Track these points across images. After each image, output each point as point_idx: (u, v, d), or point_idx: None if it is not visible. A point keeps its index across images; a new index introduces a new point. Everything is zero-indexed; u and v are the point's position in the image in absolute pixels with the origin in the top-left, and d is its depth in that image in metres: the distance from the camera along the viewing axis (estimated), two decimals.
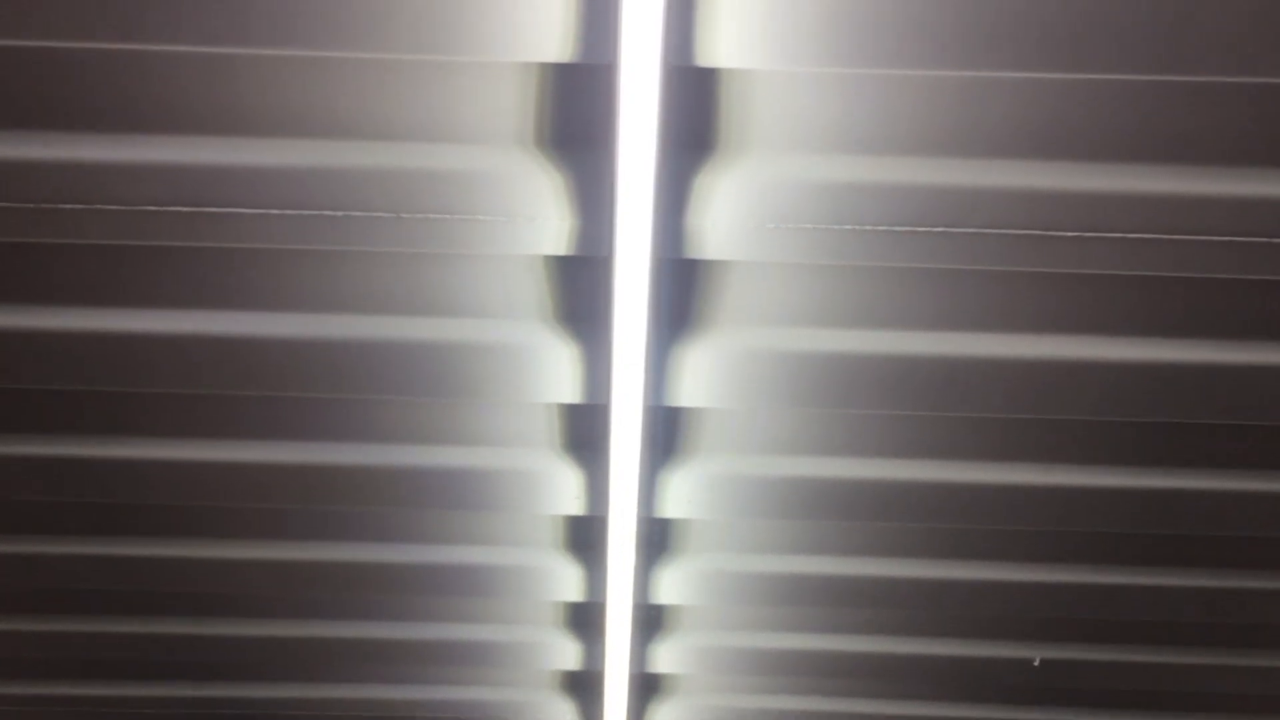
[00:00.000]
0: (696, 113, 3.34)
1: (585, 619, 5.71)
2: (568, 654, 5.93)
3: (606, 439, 4.28)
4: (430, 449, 4.61)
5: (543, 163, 3.48)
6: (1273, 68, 3.10)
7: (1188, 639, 5.64)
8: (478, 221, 3.62)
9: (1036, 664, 5.79)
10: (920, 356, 4.07)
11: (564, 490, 4.77)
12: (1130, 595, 5.28)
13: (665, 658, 5.93)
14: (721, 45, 3.11)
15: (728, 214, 3.58)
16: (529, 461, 4.65)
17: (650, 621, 5.69)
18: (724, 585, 5.35)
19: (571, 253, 3.69)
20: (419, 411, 4.46)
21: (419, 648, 5.89)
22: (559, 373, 4.18)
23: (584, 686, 6.23)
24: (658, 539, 5.12)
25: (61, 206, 3.57)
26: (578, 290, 3.91)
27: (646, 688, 6.20)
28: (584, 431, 4.52)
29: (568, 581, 5.37)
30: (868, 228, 3.59)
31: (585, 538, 5.12)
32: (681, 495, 4.77)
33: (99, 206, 3.57)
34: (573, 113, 3.36)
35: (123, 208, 3.57)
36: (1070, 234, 3.57)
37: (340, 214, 3.59)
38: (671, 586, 5.38)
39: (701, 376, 4.18)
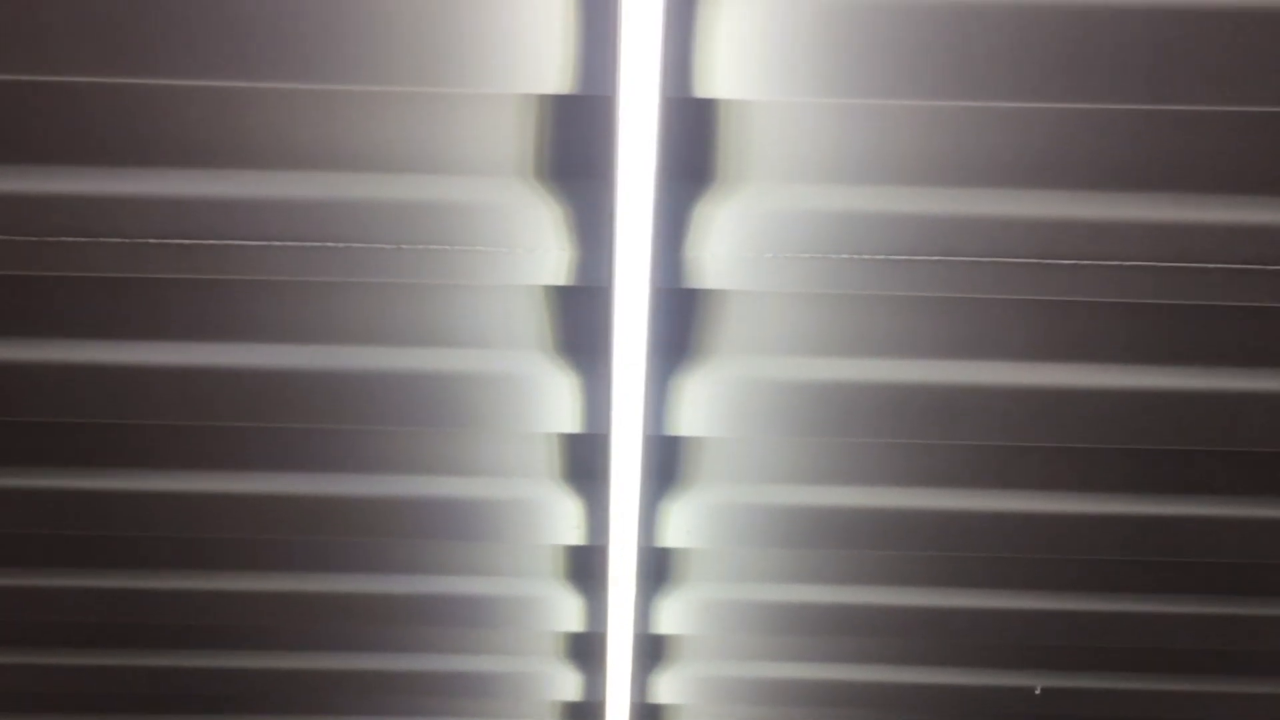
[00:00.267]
0: (695, 143, 3.37)
1: (586, 649, 5.70)
2: (568, 685, 5.93)
3: (606, 468, 4.30)
4: (430, 479, 4.62)
5: (542, 194, 3.51)
6: (1264, 97, 3.13)
7: (1187, 666, 5.64)
8: (478, 252, 3.64)
9: (1038, 692, 5.79)
10: (917, 384, 4.08)
11: (564, 520, 4.78)
12: (1130, 622, 5.28)
13: (666, 688, 5.92)
14: (719, 76, 3.14)
15: (726, 244, 3.60)
16: (529, 491, 4.66)
17: (651, 651, 5.68)
18: (724, 615, 5.35)
19: (571, 283, 3.72)
20: (419, 442, 4.47)
21: (419, 679, 5.89)
22: (559, 402, 4.19)
23: (585, 717, 6.22)
24: (658, 569, 5.13)
25: (64, 239, 3.59)
26: (577, 320, 3.93)
27: (648, 718, 6.20)
28: (584, 461, 4.53)
29: (568, 612, 5.37)
30: (865, 256, 3.62)
31: (585, 568, 5.13)
32: (681, 524, 4.78)
33: (101, 239, 3.59)
34: (572, 144, 3.39)
35: (125, 240, 3.59)
36: (1065, 262, 3.60)
37: (341, 245, 3.62)
38: (672, 616, 5.38)
39: (701, 406, 4.19)
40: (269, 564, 5.06)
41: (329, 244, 3.61)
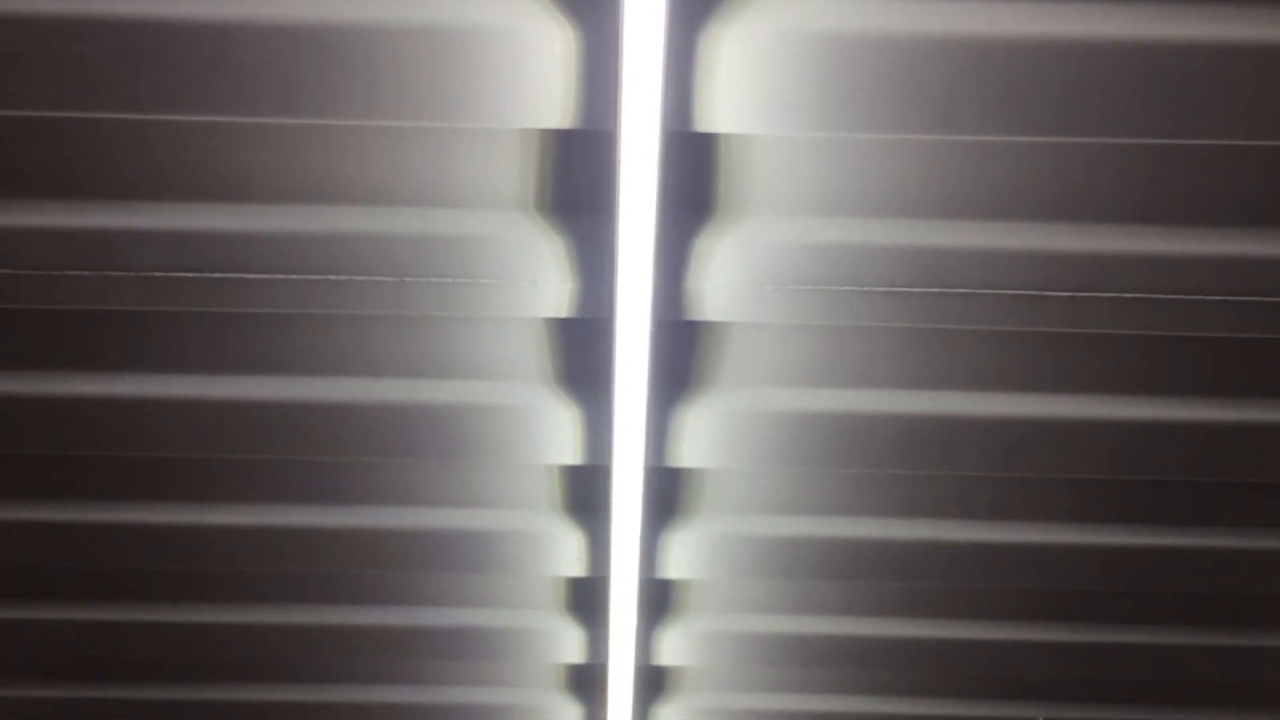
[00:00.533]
0: (695, 177, 3.39)
1: (587, 681, 5.70)
2: (569, 717, 5.91)
3: (607, 500, 4.30)
4: (431, 511, 4.62)
5: (543, 227, 3.52)
6: (1264, 131, 3.15)
7: (1190, 697, 5.63)
8: (480, 285, 3.66)
9: None
10: (918, 416, 4.09)
11: (565, 552, 4.78)
12: (1132, 653, 5.27)
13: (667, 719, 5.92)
14: (720, 111, 3.16)
15: (727, 276, 3.62)
16: (530, 523, 4.67)
17: (652, 683, 5.67)
18: (726, 646, 5.34)
19: (572, 315, 3.73)
20: (420, 474, 4.48)
21: (420, 711, 5.87)
22: (560, 434, 4.20)
23: None
24: (659, 600, 5.12)
25: (65, 273, 3.61)
26: (578, 352, 3.95)
27: None
28: (585, 493, 4.54)
29: (569, 643, 5.37)
30: (865, 289, 3.63)
31: (586, 599, 5.13)
32: (683, 556, 4.78)
33: (102, 273, 3.61)
34: (573, 177, 3.41)
35: (126, 274, 3.61)
36: (1064, 294, 3.61)
37: (343, 278, 3.63)
38: (673, 648, 5.37)
39: (702, 437, 4.20)
40: (270, 596, 5.06)
41: (331, 277, 3.63)
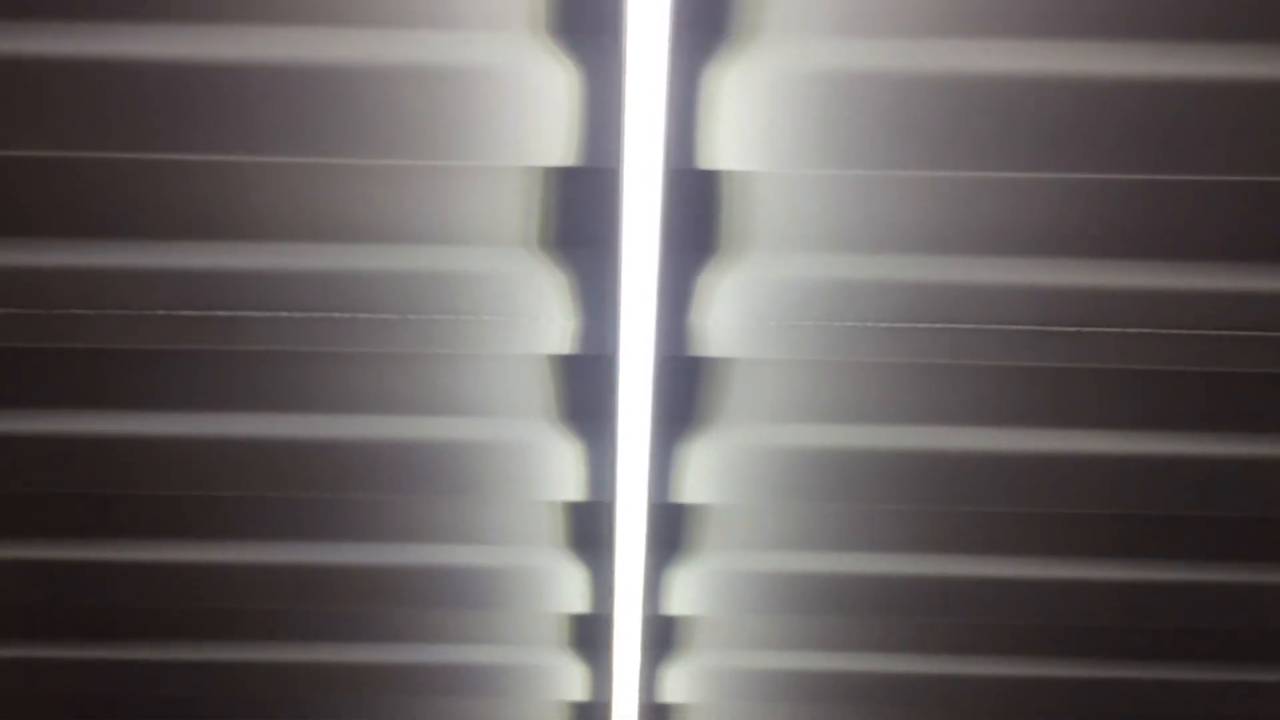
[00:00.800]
0: (698, 213, 3.40)
1: (591, 719, 5.67)
2: None
3: (611, 536, 4.30)
4: (434, 547, 4.62)
5: (547, 263, 3.53)
6: (1264, 166, 3.16)
7: None
8: (483, 322, 3.66)
9: None
10: (920, 451, 4.10)
11: (568, 588, 4.77)
12: (1135, 689, 5.26)
13: None
14: (722, 148, 3.17)
15: (730, 312, 3.63)
16: (533, 559, 4.66)
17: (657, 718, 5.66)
18: (729, 683, 5.33)
19: (575, 351, 3.74)
20: (423, 510, 4.48)
21: None
22: (563, 470, 4.20)
23: None
24: (662, 636, 5.11)
25: (71, 312, 3.61)
26: (582, 388, 3.95)
27: None
28: (588, 529, 4.53)
29: (572, 680, 5.35)
30: (868, 324, 3.64)
31: (590, 636, 5.11)
32: (686, 592, 4.77)
33: (108, 312, 3.61)
34: (576, 214, 3.42)
35: (130, 313, 3.61)
36: (1066, 329, 3.62)
37: (347, 316, 3.64)
38: (677, 684, 5.36)
39: (705, 473, 4.20)
40: (272, 634, 5.05)
41: (334, 314, 3.63)
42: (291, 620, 4.99)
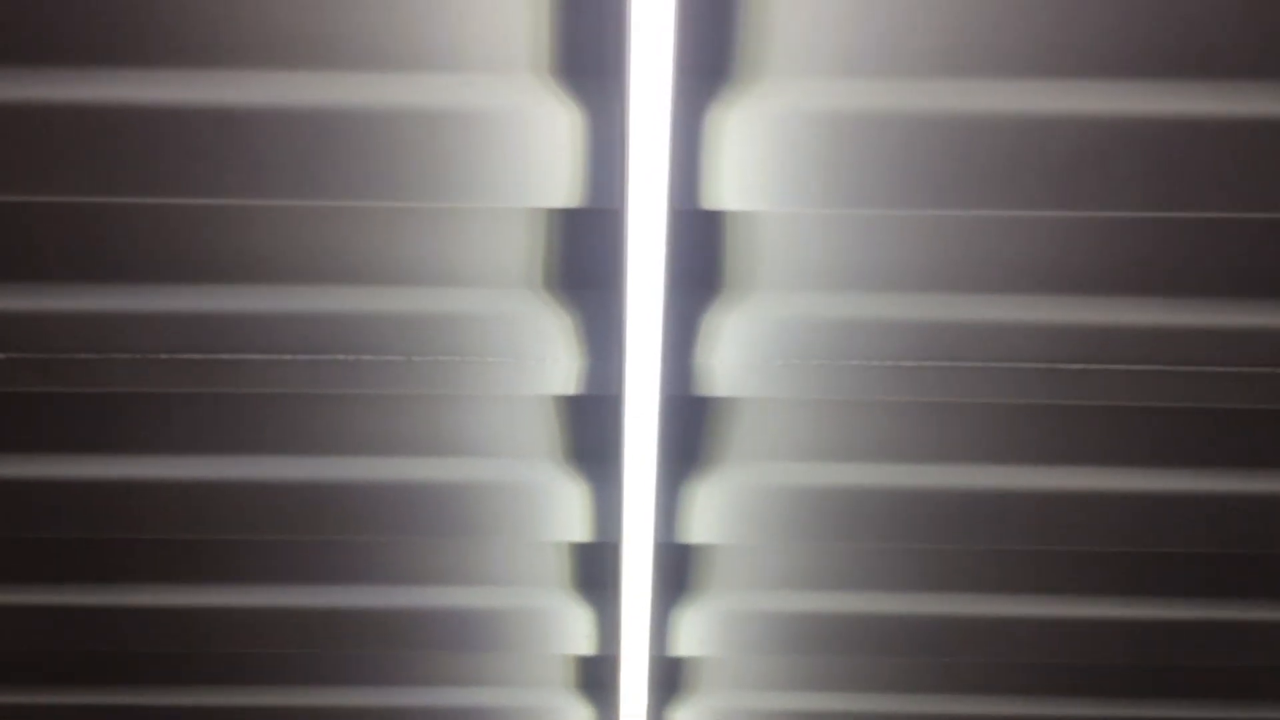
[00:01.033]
0: (703, 253, 3.40)
1: None
2: None
3: (617, 577, 4.29)
4: (440, 589, 4.60)
5: (551, 304, 3.54)
6: (1267, 203, 3.16)
7: None
8: (488, 363, 3.66)
9: None
10: (927, 490, 4.09)
11: (574, 629, 4.75)
12: None
13: None
14: (726, 188, 3.18)
15: (735, 352, 3.63)
16: (539, 601, 4.65)
17: None
18: None
19: (580, 392, 3.73)
20: (429, 552, 4.46)
21: None
22: (569, 511, 4.19)
23: None
24: (669, 678, 5.09)
25: (75, 356, 3.62)
26: (587, 429, 3.94)
27: None
28: (594, 570, 4.52)
29: None
30: (873, 363, 3.63)
31: (596, 678, 5.09)
32: (693, 633, 4.75)
33: (112, 356, 3.62)
34: (580, 255, 3.42)
35: (134, 356, 3.61)
36: (1071, 367, 3.61)
37: (352, 358, 3.64)
38: None
39: (711, 513, 4.19)
40: (279, 678, 5.03)
41: (340, 356, 3.63)
42: (297, 664, 4.97)
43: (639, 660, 4.64)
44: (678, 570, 4.51)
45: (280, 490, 4.08)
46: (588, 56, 2.93)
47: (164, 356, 3.62)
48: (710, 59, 2.93)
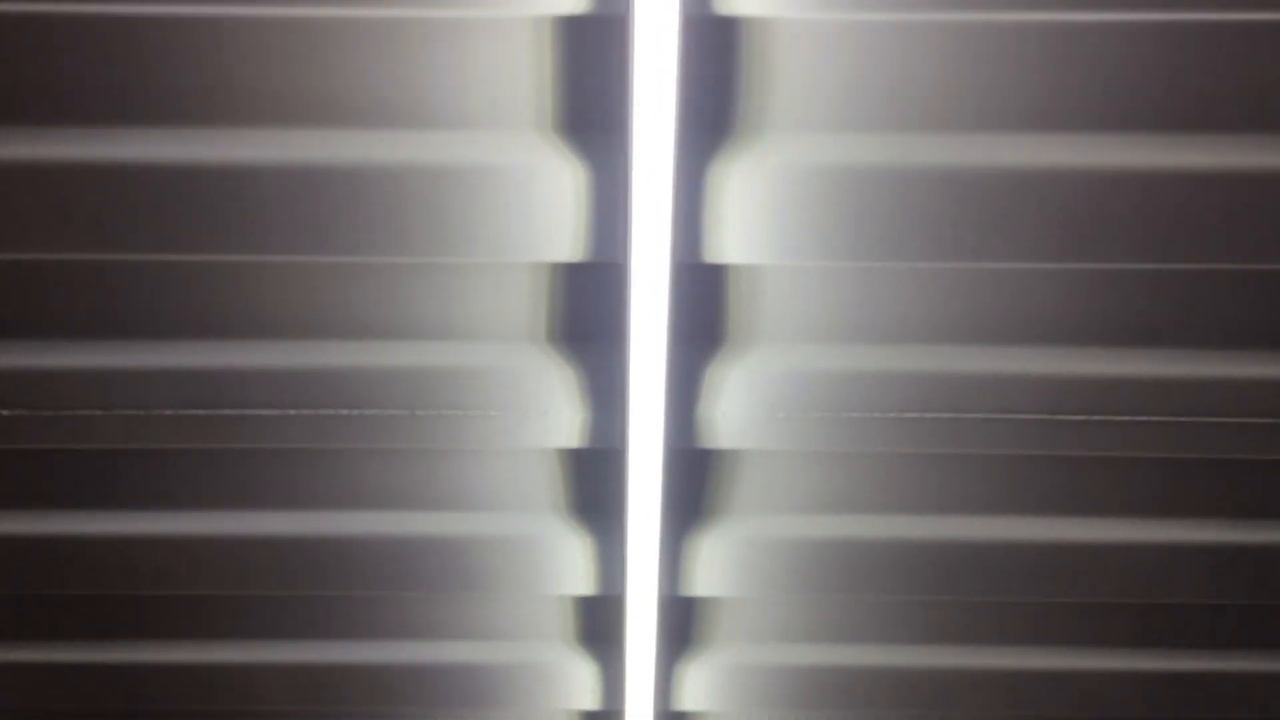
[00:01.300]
0: (705, 307, 3.42)
1: None
2: None
3: (621, 631, 4.27)
4: (443, 645, 4.59)
5: (555, 358, 3.55)
6: (1269, 254, 3.18)
7: None
8: (491, 417, 3.67)
9: None
10: (933, 542, 4.08)
11: (578, 684, 4.73)
12: None
13: None
14: (728, 242, 3.20)
15: (738, 404, 3.63)
16: (543, 655, 4.63)
17: None
18: None
19: (584, 445, 3.74)
20: (432, 607, 4.45)
21: None
22: (573, 565, 4.18)
23: None
24: None
25: (80, 413, 3.62)
26: (591, 482, 3.94)
27: None
28: (598, 624, 4.50)
29: None
30: (875, 415, 3.64)
31: None
32: (698, 687, 4.73)
33: (117, 412, 3.62)
34: (584, 309, 3.44)
35: (138, 412, 3.62)
36: (1076, 418, 3.62)
37: (356, 412, 3.65)
38: None
39: (716, 566, 4.18)
40: None
41: (344, 411, 3.64)
42: None
43: (644, 714, 4.61)
44: (682, 623, 4.50)
45: (284, 545, 4.08)
46: (591, 113, 2.96)
47: (168, 412, 3.63)
48: (712, 115, 2.96)
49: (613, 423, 3.66)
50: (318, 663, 4.59)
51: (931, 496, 3.96)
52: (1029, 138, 2.98)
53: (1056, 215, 3.11)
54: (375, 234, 3.18)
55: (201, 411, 3.62)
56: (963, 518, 4.02)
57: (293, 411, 3.63)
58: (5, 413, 3.61)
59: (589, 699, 4.78)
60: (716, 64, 2.87)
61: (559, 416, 3.66)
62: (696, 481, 3.93)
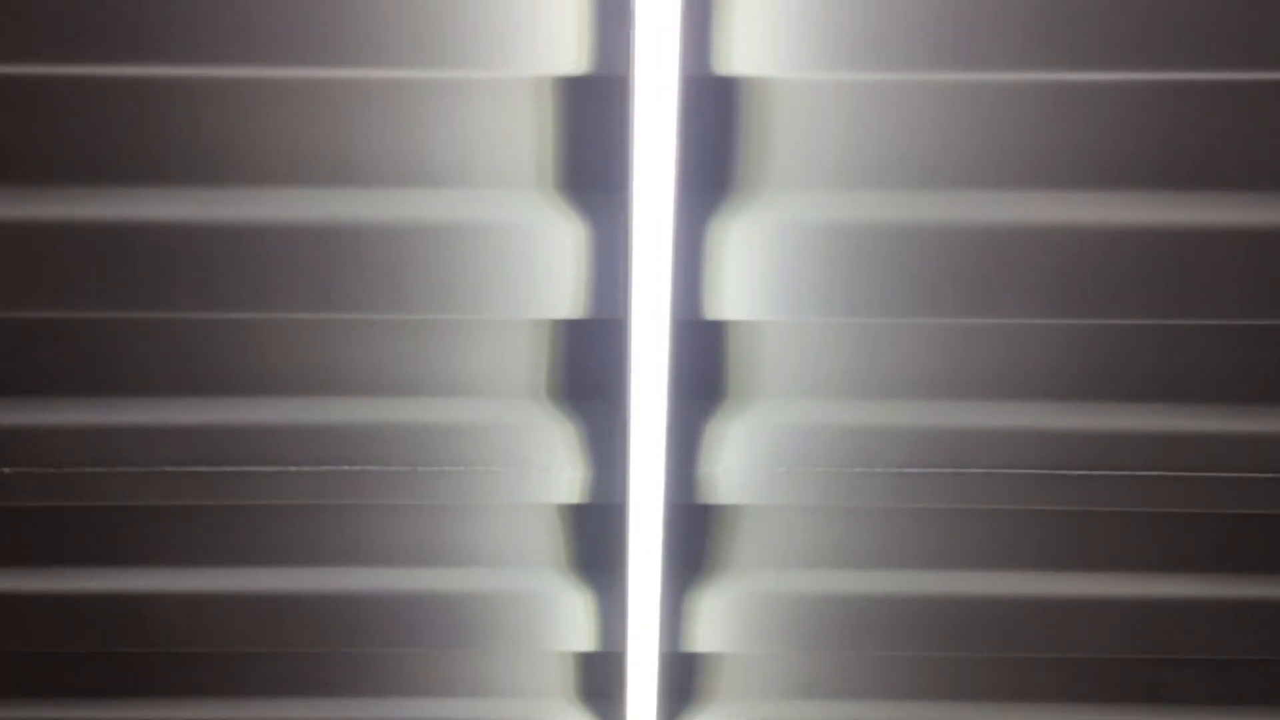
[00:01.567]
0: (706, 363, 3.42)
1: None
2: None
3: (622, 687, 4.25)
4: (445, 701, 4.56)
5: (555, 414, 3.55)
6: (1267, 310, 3.19)
7: None
8: (492, 473, 3.67)
9: None
10: (934, 597, 4.07)
11: None
12: None
13: None
14: (728, 299, 3.21)
15: (739, 460, 3.64)
16: (544, 712, 4.61)
17: None
18: None
19: (585, 501, 3.74)
20: (433, 663, 4.44)
21: None
22: (573, 620, 4.17)
23: None
24: None
25: (81, 470, 3.62)
26: (591, 538, 3.94)
27: None
28: (599, 680, 4.48)
29: None
30: (876, 470, 3.64)
31: None
32: None
33: (118, 469, 3.62)
34: (584, 365, 3.45)
35: (142, 469, 3.62)
36: (1077, 472, 3.62)
37: (357, 469, 3.65)
38: None
39: (717, 622, 4.17)
40: None
41: (345, 467, 3.64)
42: None
43: None
44: (683, 679, 4.48)
45: (285, 602, 4.07)
46: (592, 171, 2.98)
47: (169, 469, 3.63)
48: (712, 173, 2.98)
49: (613, 478, 3.66)
50: None
51: (933, 552, 3.95)
52: (1025, 195, 3.00)
53: (1053, 271, 3.12)
54: (377, 291, 3.19)
55: (203, 468, 3.62)
56: (964, 573, 4.02)
57: (294, 468, 3.63)
58: (6, 470, 3.61)
59: None
60: (716, 123, 2.90)
61: (560, 472, 3.66)
62: (697, 537, 3.93)
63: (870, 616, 4.13)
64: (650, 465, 3.44)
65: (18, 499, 3.68)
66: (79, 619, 4.10)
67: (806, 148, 2.93)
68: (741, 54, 2.75)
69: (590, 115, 2.89)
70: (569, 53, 2.75)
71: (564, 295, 3.20)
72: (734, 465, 3.65)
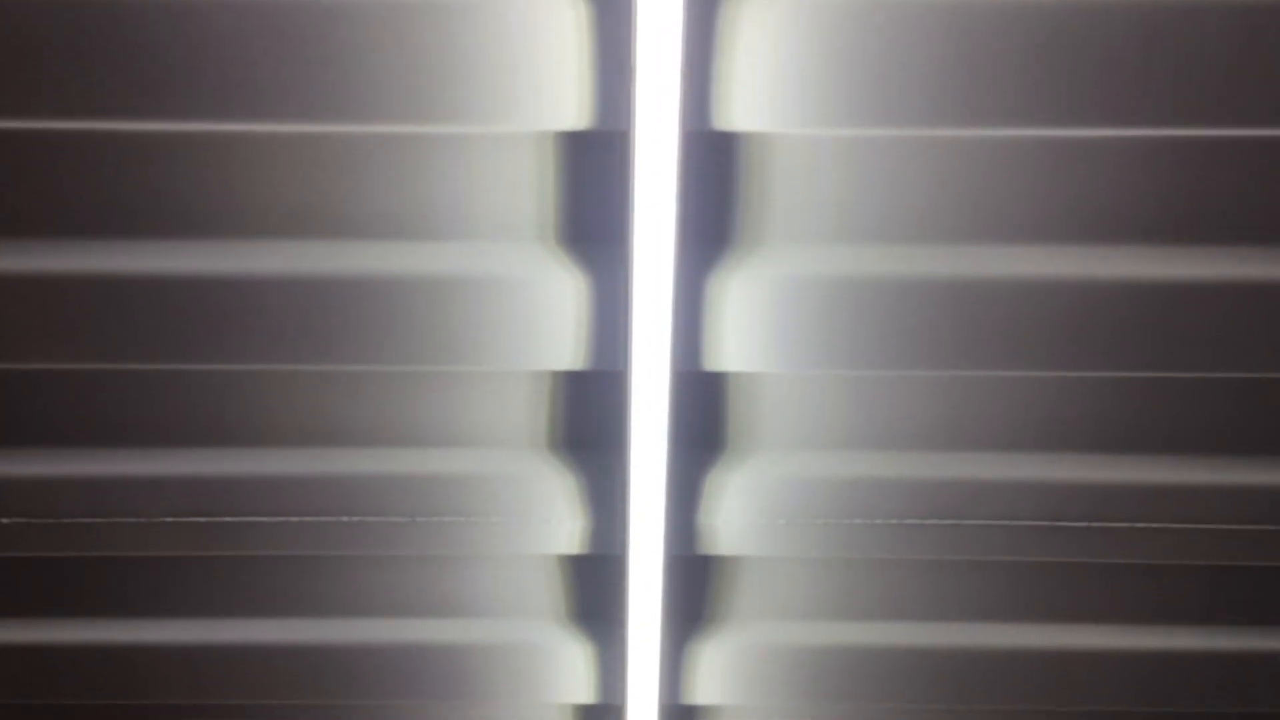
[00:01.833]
0: (706, 414, 3.43)
1: None
2: None
3: None
4: None
5: (555, 465, 3.56)
6: (1262, 363, 3.21)
7: None
8: (492, 524, 3.67)
9: None
10: (931, 649, 4.06)
11: None
12: None
13: None
14: (728, 350, 3.22)
15: (739, 511, 3.64)
16: None
17: None
18: None
19: (584, 552, 3.74)
20: (432, 715, 4.42)
21: None
22: (572, 672, 4.16)
23: None
24: None
25: (81, 521, 3.62)
26: (591, 589, 3.94)
27: None
28: None
29: None
30: (876, 521, 3.64)
31: None
32: None
33: (118, 520, 3.62)
34: (584, 416, 3.45)
35: (142, 520, 3.62)
36: (1077, 524, 3.62)
37: (355, 520, 3.65)
38: None
39: (717, 673, 4.16)
40: None
41: (343, 518, 3.64)
42: None
43: None
44: None
45: (284, 654, 4.06)
46: (592, 225, 3.00)
47: (169, 520, 3.63)
48: (711, 227, 3.00)
49: (613, 529, 3.66)
50: None
51: (932, 603, 3.95)
52: (1021, 249, 3.02)
53: (1051, 324, 3.14)
54: (378, 343, 3.20)
55: (202, 519, 3.62)
56: (962, 624, 4.01)
57: (294, 519, 3.63)
58: (5, 521, 3.61)
59: None
60: (716, 178, 2.92)
61: (559, 523, 3.67)
62: (697, 588, 3.92)
63: (869, 668, 4.12)
64: (650, 516, 3.44)
65: (16, 549, 3.68)
66: (76, 670, 4.09)
67: (805, 202, 2.95)
68: (741, 110, 2.78)
69: (591, 169, 2.91)
70: (570, 108, 2.77)
71: (564, 347, 3.21)
72: (734, 516, 3.65)
